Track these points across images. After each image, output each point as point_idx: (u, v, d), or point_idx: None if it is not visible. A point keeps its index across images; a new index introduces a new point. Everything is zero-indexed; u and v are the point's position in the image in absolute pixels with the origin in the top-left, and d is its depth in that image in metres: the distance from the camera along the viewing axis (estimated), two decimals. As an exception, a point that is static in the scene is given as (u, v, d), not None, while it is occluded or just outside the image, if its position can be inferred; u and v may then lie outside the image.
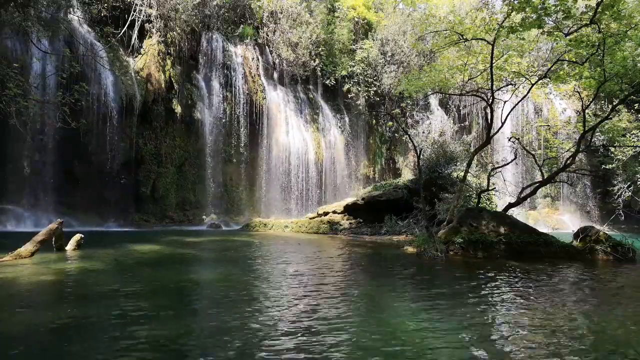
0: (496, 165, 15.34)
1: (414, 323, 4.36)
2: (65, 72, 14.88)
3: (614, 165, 18.96)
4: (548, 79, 12.80)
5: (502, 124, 13.35)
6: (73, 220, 15.68)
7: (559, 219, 26.34)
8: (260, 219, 19.15)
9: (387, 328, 4.17)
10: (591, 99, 13.77)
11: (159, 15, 20.54)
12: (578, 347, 3.78)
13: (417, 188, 14.48)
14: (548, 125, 25.38)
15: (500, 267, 8.24)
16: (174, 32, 21.07)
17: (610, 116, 12.74)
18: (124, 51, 19.89)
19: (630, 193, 20.66)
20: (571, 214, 26.98)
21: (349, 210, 18.07)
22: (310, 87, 26.84)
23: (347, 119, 27.18)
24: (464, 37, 12.35)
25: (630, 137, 16.60)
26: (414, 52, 26.12)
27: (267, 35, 24.69)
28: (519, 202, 12.62)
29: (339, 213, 18.18)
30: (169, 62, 20.90)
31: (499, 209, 14.09)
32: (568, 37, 10.99)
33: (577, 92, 15.51)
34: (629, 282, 7.40)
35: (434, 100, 28.49)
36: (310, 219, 18.42)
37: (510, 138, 14.67)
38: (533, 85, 12.92)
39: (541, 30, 11.83)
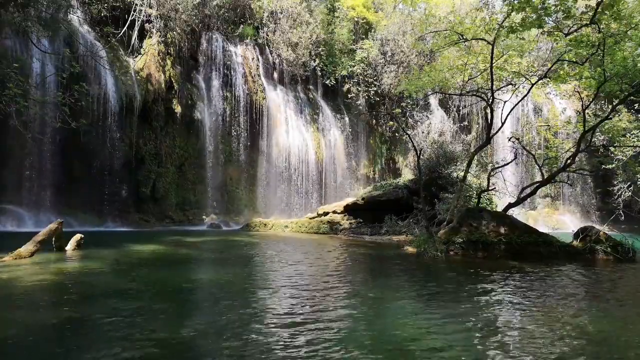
0: (496, 165, 15.33)
1: (414, 323, 4.36)
2: (65, 72, 14.85)
3: (614, 165, 18.93)
4: (548, 79, 12.79)
5: (502, 124, 13.35)
6: (73, 220, 15.67)
7: (559, 219, 26.34)
8: (260, 219, 19.14)
9: (387, 328, 4.17)
10: (591, 99, 13.76)
11: (159, 15, 20.53)
12: (578, 347, 3.78)
13: (417, 188, 14.48)
14: (548, 125, 25.37)
15: (500, 267, 8.24)
16: (174, 32, 21.06)
17: (610, 116, 12.71)
18: (124, 51, 19.88)
19: (630, 193, 20.64)
20: (571, 214, 26.98)
21: (349, 210, 18.06)
22: (310, 87, 26.84)
23: (347, 119, 27.17)
24: (464, 37, 12.35)
25: (630, 137, 16.57)
26: (414, 52, 26.10)
27: (267, 35, 24.68)
28: (519, 202, 12.62)
29: (339, 213, 18.17)
30: (169, 62, 20.89)
31: (499, 209, 14.09)
32: (568, 37, 10.98)
33: (577, 92, 15.50)
34: (629, 282, 7.40)
35: (434, 100, 28.48)
36: (310, 219, 18.41)
37: (510, 138, 14.67)
38: (533, 85, 12.91)
39: (541, 30, 11.84)
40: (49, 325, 4.10)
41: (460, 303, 5.28)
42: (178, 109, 20.90)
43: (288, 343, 3.64)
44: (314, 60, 25.47)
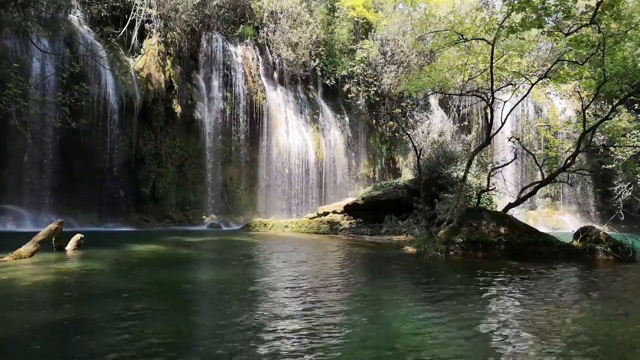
0: (496, 165, 15.32)
1: (414, 323, 4.36)
2: (65, 72, 14.86)
3: (614, 165, 18.91)
4: (548, 79, 12.79)
5: (502, 124, 13.35)
6: (73, 220, 15.67)
7: (559, 219, 26.32)
8: (260, 219, 19.14)
9: (387, 328, 4.17)
10: (591, 99, 13.75)
11: (159, 15, 20.53)
12: (579, 348, 3.77)
13: (417, 188, 14.48)
14: (548, 125, 25.36)
15: (500, 268, 8.24)
16: (174, 32, 21.06)
17: (610, 116, 12.71)
18: (124, 51, 19.87)
19: (630, 193, 20.62)
20: (571, 214, 26.97)
21: (349, 210, 18.06)
22: (310, 87, 26.83)
23: (347, 119, 27.17)
24: (464, 37, 12.35)
25: (630, 137, 16.57)
26: (414, 52, 26.09)
27: (267, 35, 24.68)
28: (519, 202, 12.61)
29: (339, 213, 18.17)
30: (169, 62, 20.89)
31: (499, 209, 14.08)
32: (568, 37, 10.98)
33: (577, 92, 15.49)
34: (629, 282, 7.39)
35: (434, 100, 28.47)
36: (310, 219, 18.41)
37: (510, 138, 14.66)
38: (533, 85, 12.91)
39: (541, 30, 11.84)
40: (49, 325, 4.10)
41: (460, 303, 5.27)
42: (178, 109, 20.89)
43: (288, 344, 3.64)
44: (314, 60, 25.47)
